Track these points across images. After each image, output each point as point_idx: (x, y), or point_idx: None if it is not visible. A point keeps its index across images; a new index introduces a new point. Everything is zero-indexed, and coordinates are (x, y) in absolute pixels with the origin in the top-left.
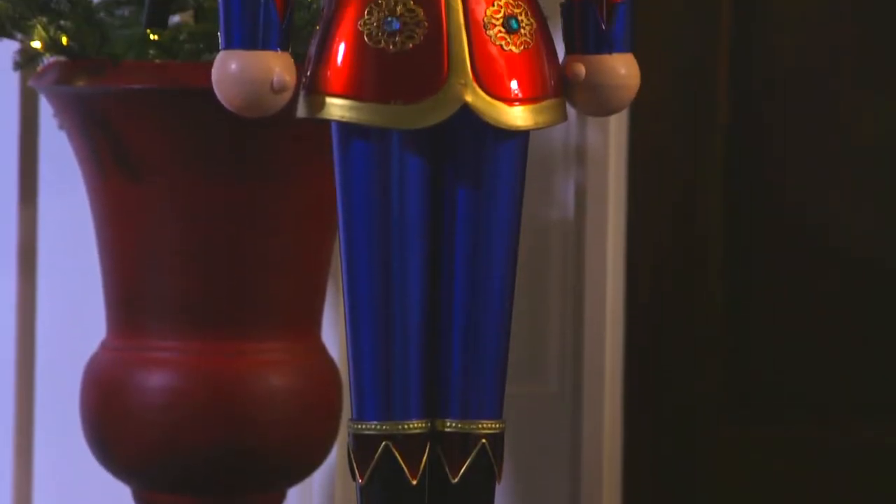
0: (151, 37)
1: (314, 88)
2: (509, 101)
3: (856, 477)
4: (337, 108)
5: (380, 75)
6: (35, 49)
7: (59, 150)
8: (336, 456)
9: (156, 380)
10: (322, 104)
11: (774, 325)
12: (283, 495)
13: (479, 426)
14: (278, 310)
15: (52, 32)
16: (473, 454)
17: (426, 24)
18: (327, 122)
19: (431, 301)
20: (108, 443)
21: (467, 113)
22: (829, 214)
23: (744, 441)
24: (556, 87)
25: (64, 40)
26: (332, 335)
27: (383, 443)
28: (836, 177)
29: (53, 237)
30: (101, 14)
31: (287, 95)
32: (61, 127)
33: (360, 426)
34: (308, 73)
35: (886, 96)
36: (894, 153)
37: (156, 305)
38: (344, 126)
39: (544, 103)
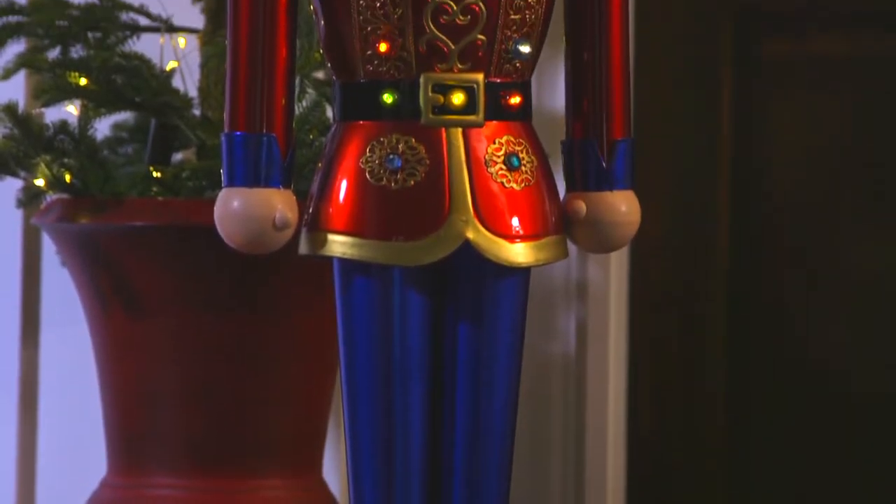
0: (154, 174)
1: (316, 225)
2: (510, 237)
3: None
4: (339, 245)
5: (381, 212)
6: (38, 187)
7: (61, 287)
8: None
9: None
10: (324, 241)
11: (777, 460)
12: None
13: None
14: (279, 446)
15: (55, 170)
16: None
17: (428, 161)
18: (329, 259)
19: (433, 438)
20: None
21: (469, 249)
22: (830, 347)
23: None
24: (556, 223)
25: (67, 178)
26: (334, 471)
27: None
28: (837, 311)
29: (55, 374)
30: (105, 152)
31: (289, 233)
32: (64, 264)
33: None
34: (310, 211)
35: (887, 230)
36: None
37: (156, 442)
38: (346, 263)
39: (545, 240)
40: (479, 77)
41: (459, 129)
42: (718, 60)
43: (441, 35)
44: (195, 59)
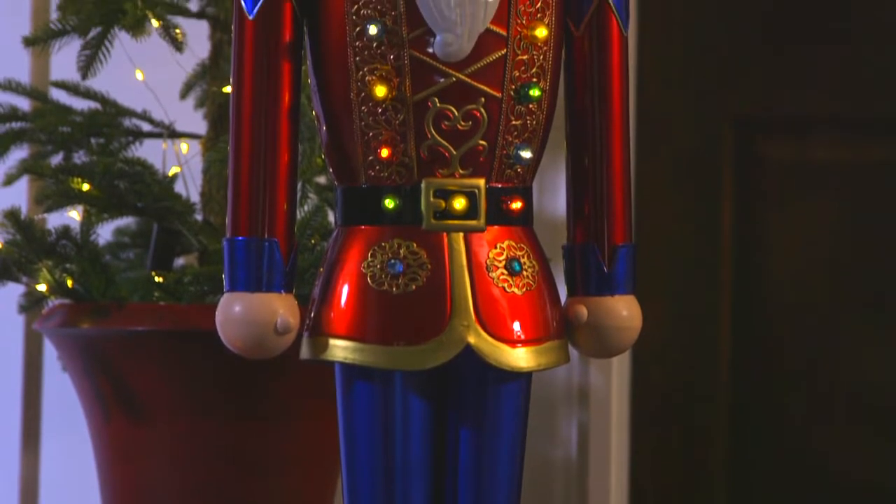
0: (156, 279)
1: (318, 330)
2: (512, 342)
3: None
4: (340, 349)
5: (383, 317)
6: (40, 292)
7: (62, 392)
8: None
9: None
10: (325, 346)
11: None
12: None
13: None
14: None
15: (57, 275)
16: None
17: (429, 266)
18: (331, 364)
19: None
20: None
21: (470, 354)
22: (835, 457)
23: None
24: (558, 328)
25: (69, 283)
26: None
27: None
28: (842, 419)
29: (55, 479)
30: (107, 257)
31: (291, 337)
32: (65, 369)
33: None
34: (311, 315)
35: (888, 335)
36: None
37: None
38: (347, 367)
39: (547, 345)
40: (481, 182)
41: (461, 234)
42: (719, 164)
43: (442, 140)
44: (198, 164)
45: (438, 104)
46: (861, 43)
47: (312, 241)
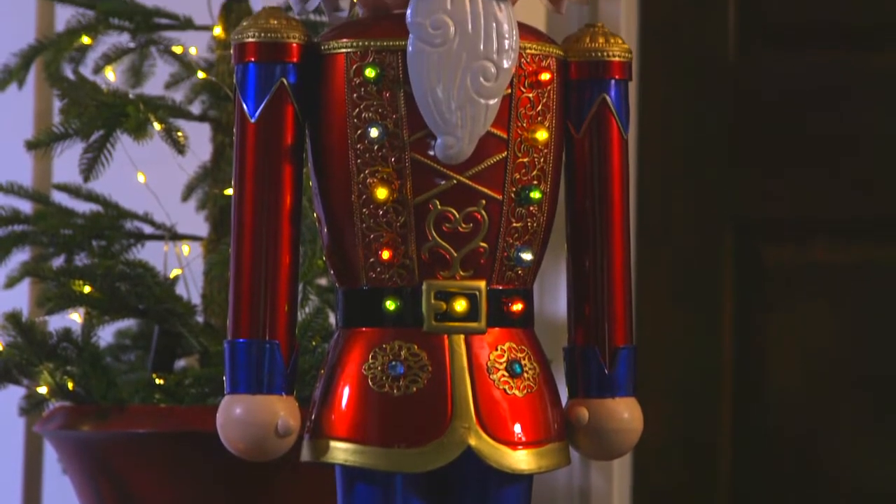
0: (157, 381)
1: (318, 432)
2: (513, 444)
3: None
4: (341, 451)
5: (384, 419)
6: (41, 394)
7: (62, 494)
8: None
9: None
10: (326, 448)
11: None
12: None
13: None
14: None
15: (58, 378)
16: None
17: (430, 368)
18: (331, 466)
19: None
20: None
21: (471, 456)
22: None
23: None
24: (559, 430)
25: (70, 385)
26: None
27: None
28: None
29: None
30: (108, 359)
31: (291, 439)
32: (65, 471)
33: None
34: (312, 417)
35: (889, 441)
36: None
37: None
38: (348, 469)
39: (548, 447)
40: (482, 284)
41: (462, 336)
42: (719, 268)
43: (443, 243)
44: (199, 266)
45: (439, 206)
46: (859, 147)
47: (314, 343)
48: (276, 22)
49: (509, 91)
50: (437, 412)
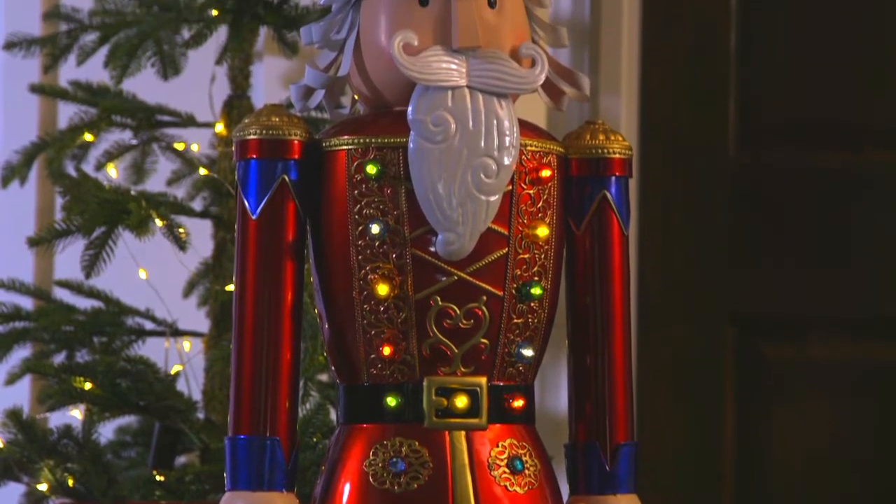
0: (158, 478)
1: None
2: None
3: None
4: None
5: None
6: (41, 492)
7: None
8: None
9: None
10: None
11: None
12: None
13: None
14: None
15: (58, 475)
16: None
17: (431, 464)
18: None
19: None
20: None
21: None
22: None
23: None
24: None
25: (70, 482)
26: None
27: None
28: None
29: None
30: (109, 455)
31: None
32: None
33: None
34: None
35: None
36: None
37: None
38: None
39: None
40: (483, 380)
41: (463, 432)
42: (720, 364)
43: (444, 339)
44: (200, 362)
45: (440, 302)
46: (859, 245)
47: (314, 439)
48: (277, 119)
49: (510, 187)
50: None
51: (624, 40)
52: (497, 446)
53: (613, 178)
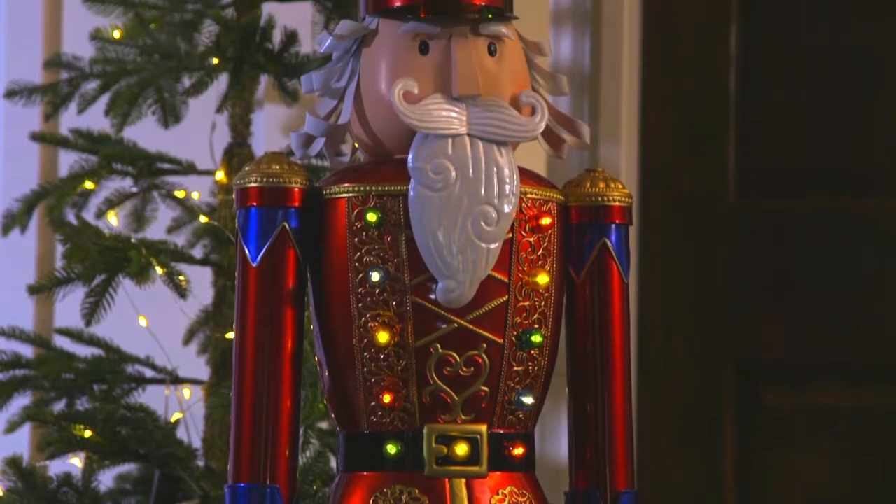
0: None
1: None
2: None
3: None
4: None
5: None
6: None
7: None
8: None
9: None
10: None
11: None
12: None
13: None
14: None
15: None
16: None
17: None
18: None
19: None
20: None
21: None
22: None
23: None
24: None
25: None
26: None
27: None
28: None
29: None
30: (109, 503)
31: None
32: None
33: None
34: None
35: None
36: None
37: None
38: None
39: None
40: (483, 428)
41: (463, 480)
42: (720, 410)
43: (444, 386)
44: (200, 410)
45: (440, 350)
46: (859, 292)
47: (315, 487)
48: (278, 167)
49: (510, 235)
50: None
51: (624, 88)
52: (497, 494)
53: (613, 225)
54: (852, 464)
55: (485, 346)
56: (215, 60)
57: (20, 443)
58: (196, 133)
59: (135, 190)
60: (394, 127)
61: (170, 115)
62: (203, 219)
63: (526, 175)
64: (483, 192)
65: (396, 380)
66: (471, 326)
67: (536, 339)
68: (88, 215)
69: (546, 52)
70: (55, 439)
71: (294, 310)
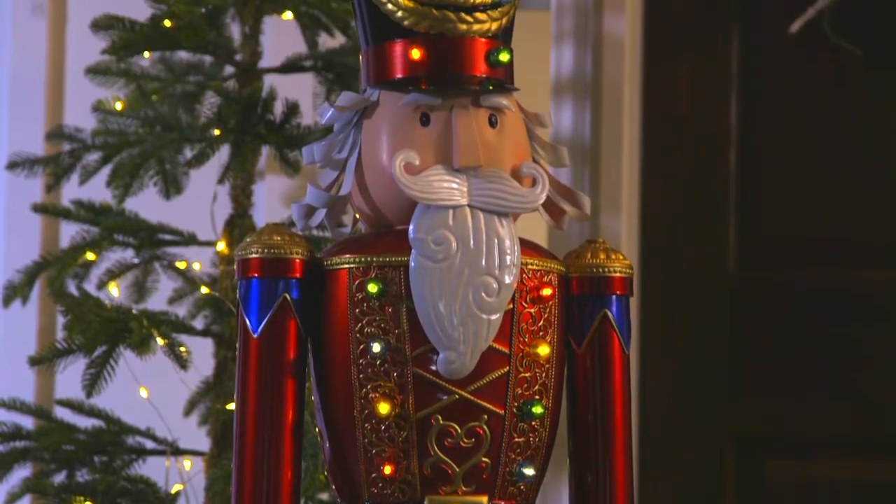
0: None
1: None
2: None
3: None
4: None
5: None
6: None
7: None
8: None
9: None
10: None
11: None
12: None
13: None
14: None
15: None
16: None
17: None
18: None
19: None
20: None
21: None
22: None
23: None
24: None
25: None
26: None
27: None
28: None
29: None
30: None
31: None
32: None
33: None
34: None
35: None
36: None
37: None
38: None
39: None
40: (484, 499)
41: None
42: (721, 483)
43: (445, 458)
44: (200, 481)
45: (441, 421)
46: (860, 365)
47: None
48: (279, 238)
49: (511, 306)
50: None
51: (624, 159)
52: None
53: (614, 296)
54: None
55: (486, 417)
56: (217, 132)
57: None
58: (197, 204)
59: (136, 261)
60: (395, 198)
61: (171, 187)
62: (204, 290)
63: (527, 246)
64: (484, 263)
65: (397, 451)
66: (472, 397)
67: (537, 410)
68: (90, 286)
69: (547, 123)
70: None
71: (295, 380)
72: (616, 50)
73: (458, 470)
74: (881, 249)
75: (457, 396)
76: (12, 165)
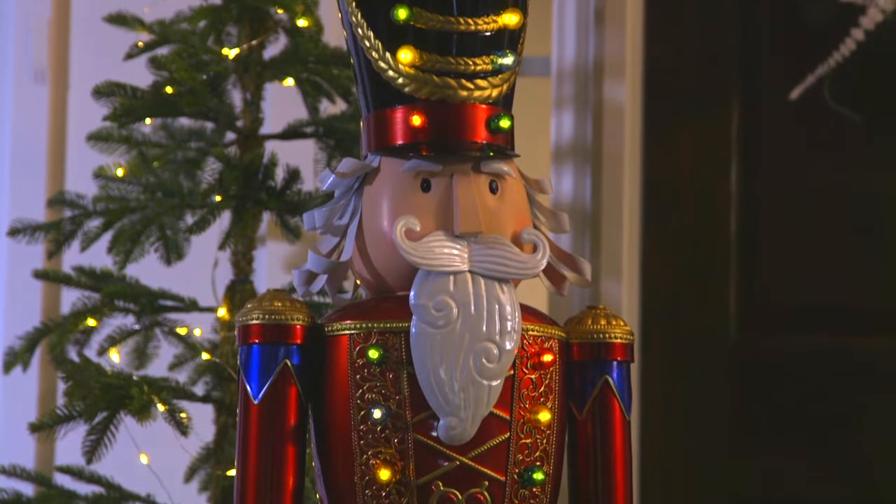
0: None
1: None
2: None
3: None
4: None
5: None
6: None
7: None
8: None
9: None
10: None
11: None
12: None
13: None
14: None
15: None
16: None
17: None
18: None
19: None
20: None
21: None
22: None
23: None
24: None
25: None
26: None
27: None
28: None
29: None
30: None
31: None
32: None
33: None
34: None
35: None
36: None
37: None
38: None
39: None
40: None
41: None
42: None
43: None
44: None
45: (442, 488)
46: (862, 430)
47: None
48: (279, 304)
49: (512, 372)
50: None
51: (625, 225)
52: None
53: (615, 362)
54: None
55: (486, 483)
56: (218, 198)
57: None
58: (198, 270)
59: (137, 327)
60: (396, 264)
61: (172, 253)
62: (205, 356)
63: (527, 312)
64: (485, 328)
65: None
66: (472, 464)
67: (538, 476)
68: (90, 353)
69: (547, 189)
70: None
71: (295, 446)
72: (616, 116)
73: None
74: (882, 315)
75: (458, 463)
76: (14, 232)
